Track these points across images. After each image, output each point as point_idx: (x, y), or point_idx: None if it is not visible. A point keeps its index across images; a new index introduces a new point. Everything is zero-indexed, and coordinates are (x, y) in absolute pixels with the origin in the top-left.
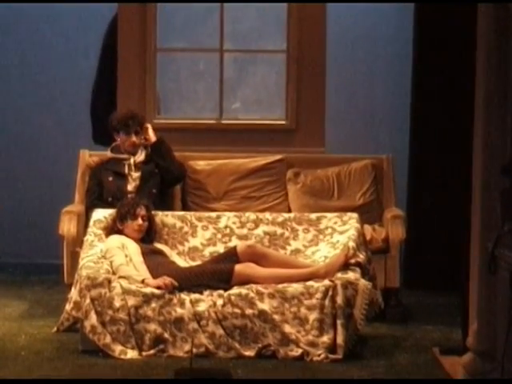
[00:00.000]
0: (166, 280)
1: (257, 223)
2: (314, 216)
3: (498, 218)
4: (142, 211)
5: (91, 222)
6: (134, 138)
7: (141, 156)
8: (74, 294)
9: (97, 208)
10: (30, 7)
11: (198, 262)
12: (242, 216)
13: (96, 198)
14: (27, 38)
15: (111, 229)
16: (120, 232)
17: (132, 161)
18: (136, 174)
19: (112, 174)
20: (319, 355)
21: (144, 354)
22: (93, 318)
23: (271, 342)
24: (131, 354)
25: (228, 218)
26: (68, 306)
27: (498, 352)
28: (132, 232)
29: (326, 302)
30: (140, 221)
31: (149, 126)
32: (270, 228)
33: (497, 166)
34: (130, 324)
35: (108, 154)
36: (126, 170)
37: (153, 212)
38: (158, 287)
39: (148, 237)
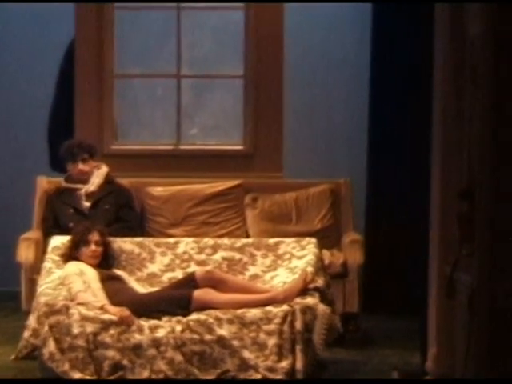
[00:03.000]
0: (126, 312)
1: (215, 249)
2: (272, 241)
3: (456, 242)
4: (94, 237)
5: (49, 249)
6: (80, 166)
7: (92, 186)
8: (32, 321)
9: (53, 235)
10: None
11: (157, 288)
12: (200, 242)
13: (51, 225)
14: None
15: (68, 256)
16: (77, 259)
17: (83, 191)
18: (87, 204)
19: (71, 208)
20: None
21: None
22: (51, 345)
23: (230, 368)
24: None
25: (186, 244)
26: (26, 333)
27: (457, 375)
28: (87, 258)
29: (285, 327)
30: (93, 246)
31: None
32: (229, 253)
33: (454, 189)
34: (89, 351)
35: (62, 183)
36: (80, 201)
37: (110, 238)
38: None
39: (106, 263)
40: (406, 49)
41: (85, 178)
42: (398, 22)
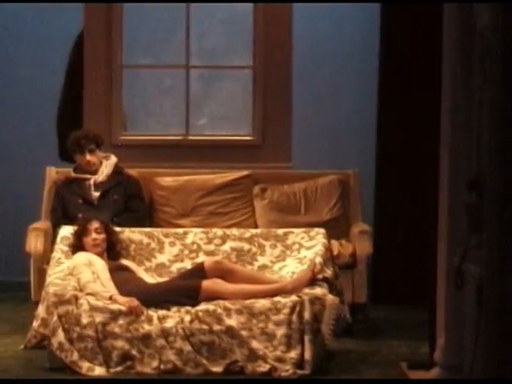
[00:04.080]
0: (135, 302)
1: (224, 239)
2: (281, 232)
3: (465, 233)
4: (94, 225)
5: (58, 239)
6: (88, 157)
7: (101, 176)
8: (41, 311)
9: (62, 226)
10: None
11: (166, 279)
12: (209, 232)
13: (60, 216)
14: None
15: (75, 246)
16: (84, 249)
17: (92, 181)
18: (96, 194)
19: (80, 198)
20: (287, 371)
21: (111, 370)
22: (60, 335)
23: (239, 358)
24: (99, 370)
25: (195, 234)
26: (35, 323)
27: (466, 366)
28: (91, 248)
29: (294, 317)
30: (94, 235)
31: None
32: (237, 244)
33: (463, 180)
34: (98, 341)
35: (71, 174)
36: (88, 191)
37: (119, 229)
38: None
39: (114, 253)
40: (414, 39)
41: (93, 169)
42: (407, 13)
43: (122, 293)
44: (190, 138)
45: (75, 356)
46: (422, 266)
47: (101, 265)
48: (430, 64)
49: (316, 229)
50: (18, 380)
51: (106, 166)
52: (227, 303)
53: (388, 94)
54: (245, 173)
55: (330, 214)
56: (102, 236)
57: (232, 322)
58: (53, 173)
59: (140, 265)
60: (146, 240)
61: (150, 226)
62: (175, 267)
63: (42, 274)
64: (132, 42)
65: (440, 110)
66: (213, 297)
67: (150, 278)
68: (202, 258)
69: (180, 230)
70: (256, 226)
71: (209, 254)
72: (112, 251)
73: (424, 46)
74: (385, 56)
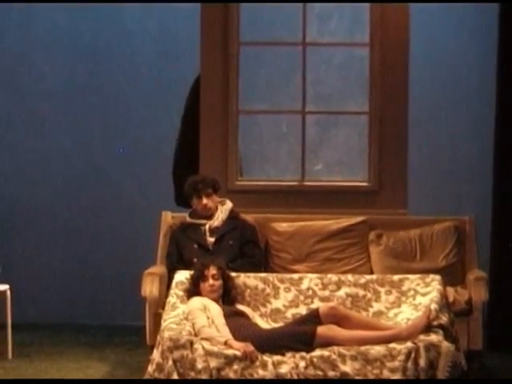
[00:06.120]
0: (250, 348)
1: (339, 285)
2: (396, 278)
3: None
4: (211, 271)
5: (173, 284)
6: (205, 201)
7: (217, 221)
8: (156, 355)
9: (178, 270)
10: (112, 70)
11: (281, 324)
12: (324, 278)
13: (176, 261)
14: (109, 101)
15: (191, 291)
16: (199, 294)
17: (208, 226)
18: (211, 239)
19: (196, 243)
20: None
21: None
22: None
23: None
24: None
25: (310, 280)
26: (150, 368)
27: None
28: (207, 293)
29: (409, 364)
30: (211, 281)
31: None
32: (352, 290)
33: None
34: None
35: (187, 218)
36: (204, 236)
37: (234, 274)
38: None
39: (229, 298)
40: None
41: (209, 214)
42: None
43: (237, 338)
44: (306, 183)
45: None
46: None
47: (216, 310)
48: None
49: (431, 275)
50: None
51: (222, 211)
52: (342, 349)
53: (506, 140)
54: (360, 219)
55: (446, 261)
56: (219, 282)
57: (347, 368)
58: (168, 217)
59: (255, 310)
60: (261, 285)
61: (265, 272)
62: (290, 313)
63: (157, 319)
64: (248, 88)
65: None
66: (327, 343)
67: (264, 324)
68: (316, 303)
69: (295, 276)
70: (371, 272)
71: (324, 299)
72: (227, 296)
73: None
74: (502, 100)
